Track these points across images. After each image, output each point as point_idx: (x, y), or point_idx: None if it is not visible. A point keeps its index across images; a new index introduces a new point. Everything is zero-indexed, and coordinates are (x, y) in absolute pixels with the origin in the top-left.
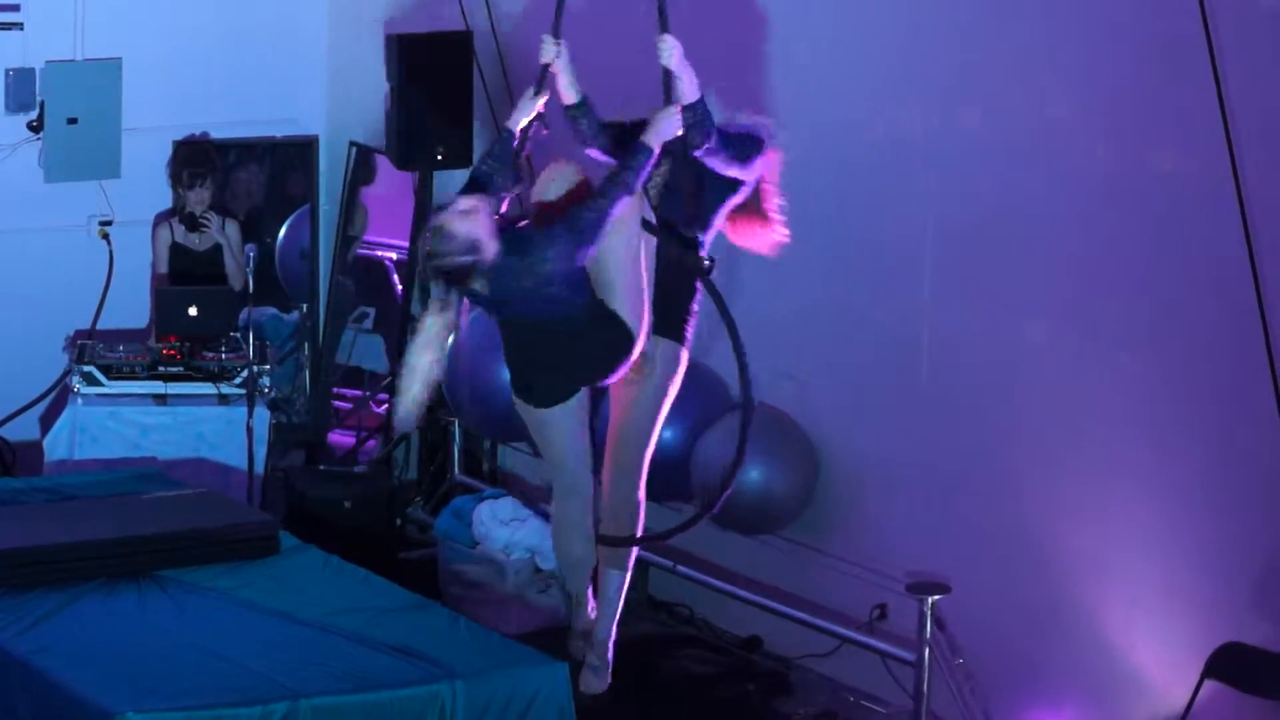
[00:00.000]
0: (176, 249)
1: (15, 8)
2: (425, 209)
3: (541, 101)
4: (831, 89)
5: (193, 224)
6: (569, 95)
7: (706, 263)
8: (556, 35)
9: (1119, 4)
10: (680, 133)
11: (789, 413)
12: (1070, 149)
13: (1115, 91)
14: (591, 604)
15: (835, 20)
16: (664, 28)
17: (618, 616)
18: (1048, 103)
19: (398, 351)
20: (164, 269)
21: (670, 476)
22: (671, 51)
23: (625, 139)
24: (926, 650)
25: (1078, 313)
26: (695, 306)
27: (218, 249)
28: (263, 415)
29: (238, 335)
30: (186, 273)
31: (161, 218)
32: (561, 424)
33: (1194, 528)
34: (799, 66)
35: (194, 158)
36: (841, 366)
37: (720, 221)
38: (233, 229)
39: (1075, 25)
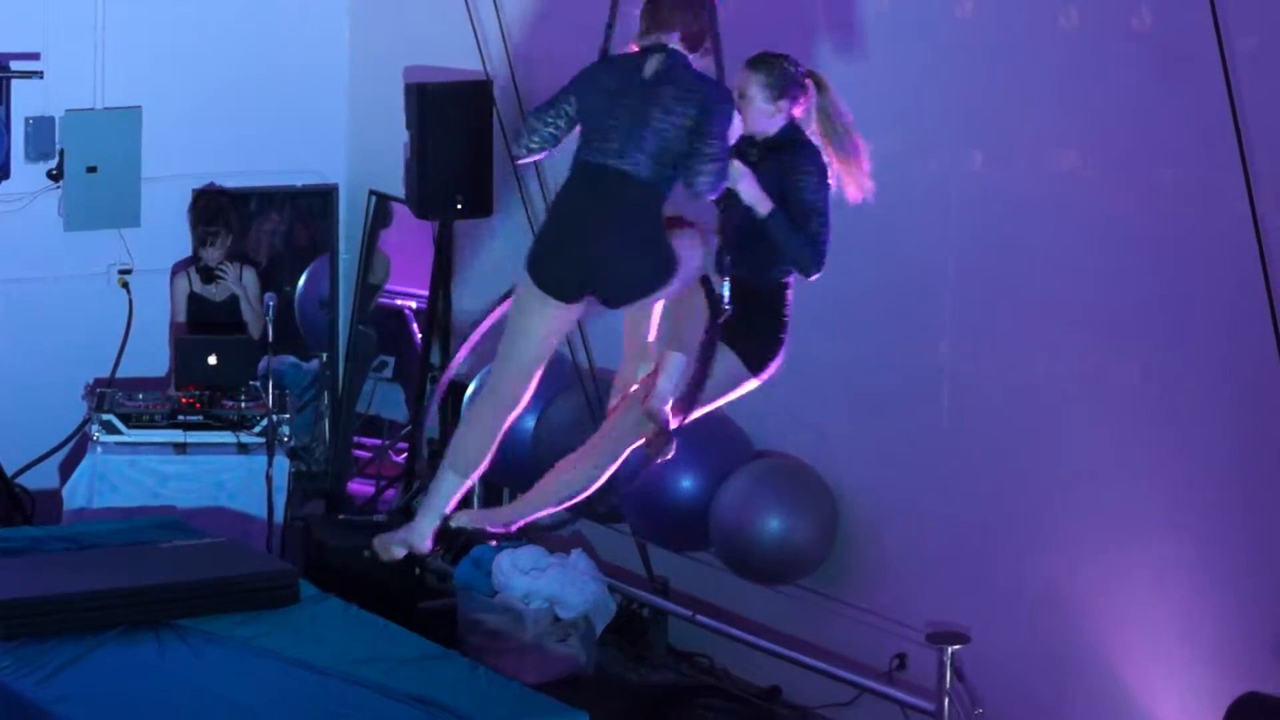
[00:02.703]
0: (194, 298)
1: (35, 56)
2: (445, 258)
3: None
4: None
5: (209, 276)
6: None
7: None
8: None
9: (1139, 52)
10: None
11: (808, 461)
12: (1089, 195)
13: (1134, 138)
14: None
15: (854, 68)
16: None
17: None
18: (1066, 148)
19: (417, 399)
20: (182, 318)
21: (689, 525)
22: (739, 178)
23: None
24: (946, 700)
25: (1099, 361)
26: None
27: (235, 298)
28: (282, 464)
29: (257, 384)
30: (205, 322)
31: (179, 267)
32: (540, 328)
33: (1214, 578)
34: None
35: (209, 214)
36: (860, 415)
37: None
38: (250, 277)
39: (1094, 72)
